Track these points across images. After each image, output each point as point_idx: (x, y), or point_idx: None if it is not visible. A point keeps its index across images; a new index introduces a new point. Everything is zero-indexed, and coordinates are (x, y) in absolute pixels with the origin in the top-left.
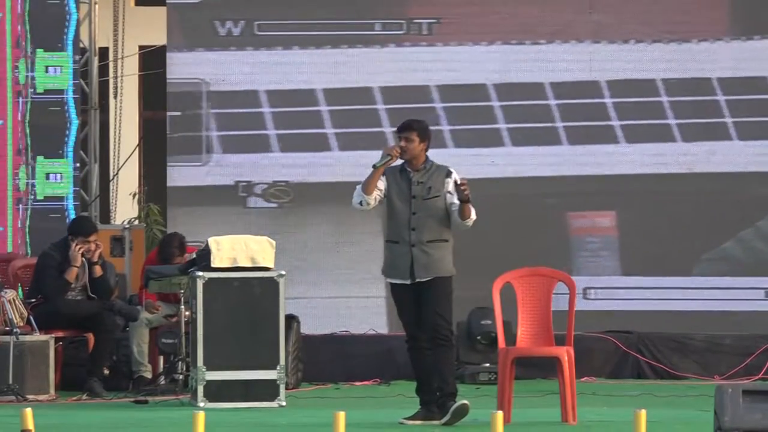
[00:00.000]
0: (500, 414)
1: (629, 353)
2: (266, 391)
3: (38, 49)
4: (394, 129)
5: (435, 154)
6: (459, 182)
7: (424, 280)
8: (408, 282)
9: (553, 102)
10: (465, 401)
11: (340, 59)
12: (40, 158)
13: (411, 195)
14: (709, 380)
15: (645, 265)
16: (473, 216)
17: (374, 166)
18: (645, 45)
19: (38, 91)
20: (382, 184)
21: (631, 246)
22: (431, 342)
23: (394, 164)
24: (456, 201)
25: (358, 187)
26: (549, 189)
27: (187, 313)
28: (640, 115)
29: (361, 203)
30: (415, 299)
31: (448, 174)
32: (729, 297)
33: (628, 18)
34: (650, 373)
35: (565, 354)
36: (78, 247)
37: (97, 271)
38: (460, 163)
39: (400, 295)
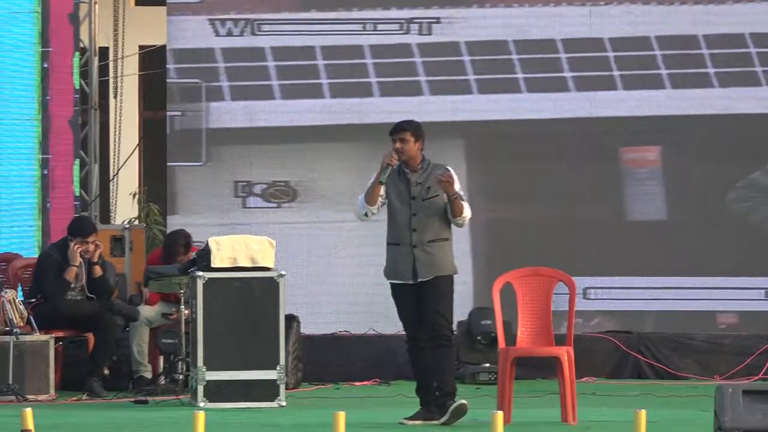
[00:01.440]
0: (500, 414)
1: (629, 353)
2: (266, 391)
3: None
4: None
5: (511, 98)
6: (441, 179)
7: (427, 279)
8: (410, 282)
9: (611, 54)
10: (464, 401)
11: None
12: None
13: (411, 196)
14: (709, 380)
15: (686, 191)
16: (466, 213)
17: (380, 182)
18: (688, 6)
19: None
20: (381, 189)
21: (673, 175)
22: (432, 341)
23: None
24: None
25: (360, 197)
26: (605, 127)
27: (186, 312)
28: (685, 65)
29: (366, 214)
30: (417, 299)
31: (446, 172)
32: (729, 297)
33: None
34: (650, 373)
35: (565, 354)
36: (76, 247)
37: (97, 271)
38: (532, 107)
39: (402, 296)
